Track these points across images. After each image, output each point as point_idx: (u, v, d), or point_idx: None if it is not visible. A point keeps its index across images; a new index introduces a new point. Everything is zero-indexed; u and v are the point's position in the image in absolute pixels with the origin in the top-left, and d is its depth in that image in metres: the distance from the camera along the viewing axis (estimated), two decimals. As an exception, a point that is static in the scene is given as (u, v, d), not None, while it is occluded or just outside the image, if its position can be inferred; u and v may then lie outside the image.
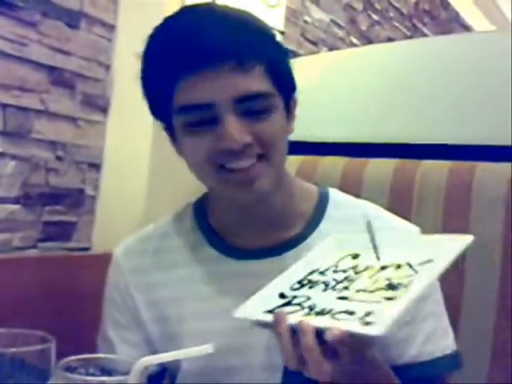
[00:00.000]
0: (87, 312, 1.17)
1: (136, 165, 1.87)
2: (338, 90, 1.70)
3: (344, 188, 1.16)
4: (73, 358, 0.81)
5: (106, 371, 0.82)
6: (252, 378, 1.05)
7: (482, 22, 5.27)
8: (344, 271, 0.89)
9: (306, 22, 2.81)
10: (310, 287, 0.88)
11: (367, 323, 0.74)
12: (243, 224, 1.09)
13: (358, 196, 1.17)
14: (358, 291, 0.83)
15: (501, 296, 1.27)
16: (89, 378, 0.79)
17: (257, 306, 0.86)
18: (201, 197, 1.16)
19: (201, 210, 1.14)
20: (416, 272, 0.83)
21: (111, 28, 1.87)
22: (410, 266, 0.84)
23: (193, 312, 1.08)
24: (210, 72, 0.93)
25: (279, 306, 0.84)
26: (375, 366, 0.89)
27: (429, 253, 0.85)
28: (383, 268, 0.87)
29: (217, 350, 0.88)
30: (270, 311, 0.83)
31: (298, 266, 0.94)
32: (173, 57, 0.95)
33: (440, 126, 1.53)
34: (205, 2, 1.11)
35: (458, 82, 1.53)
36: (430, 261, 0.84)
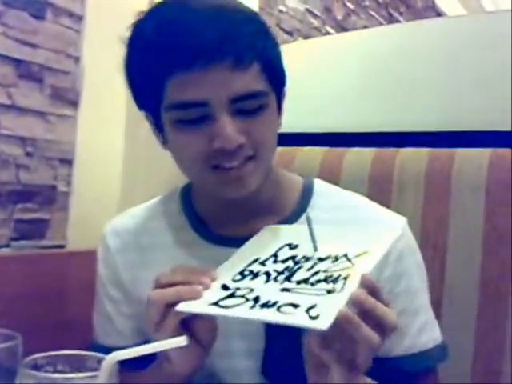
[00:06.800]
0: (63, 311, 1.14)
1: (109, 159, 1.84)
2: (314, 79, 1.69)
3: (323, 178, 1.15)
4: (39, 355, 0.78)
5: (75, 368, 0.79)
6: (235, 381, 1.03)
7: (457, 10, 5.29)
8: (283, 261, 0.91)
9: (280, 11, 2.79)
10: (252, 278, 0.89)
11: (313, 317, 0.76)
12: (227, 213, 1.07)
13: (337, 185, 1.15)
14: (299, 283, 0.84)
15: (483, 282, 1.26)
16: (56, 375, 0.75)
17: (201, 299, 0.86)
18: (188, 182, 1.15)
19: (187, 194, 1.14)
20: (353, 264, 0.85)
21: (79, 18, 1.84)
22: (347, 258, 0.87)
23: None
24: (205, 70, 0.89)
25: (223, 298, 0.85)
26: None
27: (364, 245, 0.89)
28: (321, 260, 0.89)
29: None
30: (215, 303, 0.84)
31: (237, 256, 0.95)
32: (166, 50, 0.90)
33: (418, 113, 1.52)
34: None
35: (435, 68, 1.52)
36: (365, 252, 0.87)
